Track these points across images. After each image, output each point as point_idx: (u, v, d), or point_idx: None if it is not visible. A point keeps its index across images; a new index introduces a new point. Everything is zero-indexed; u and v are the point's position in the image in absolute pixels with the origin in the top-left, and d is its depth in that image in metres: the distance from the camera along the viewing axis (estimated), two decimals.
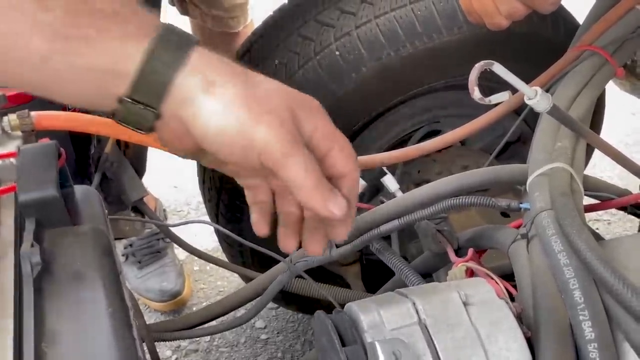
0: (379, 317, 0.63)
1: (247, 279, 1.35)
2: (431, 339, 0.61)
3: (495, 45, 1.27)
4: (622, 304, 0.61)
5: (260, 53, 1.32)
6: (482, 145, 1.45)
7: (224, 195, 1.39)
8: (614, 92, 1.75)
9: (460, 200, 0.85)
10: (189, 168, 1.68)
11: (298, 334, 1.74)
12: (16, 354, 0.48)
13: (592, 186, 0.88)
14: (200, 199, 1.56)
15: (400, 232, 1.19)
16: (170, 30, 0.51)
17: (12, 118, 0.64)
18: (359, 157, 0.96)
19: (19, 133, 0.65)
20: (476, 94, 0.68)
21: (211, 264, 1.77)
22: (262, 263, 1.26)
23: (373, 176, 1.14)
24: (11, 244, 0.55)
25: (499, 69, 0.68)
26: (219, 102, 0.50)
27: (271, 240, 0.60)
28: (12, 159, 0.61)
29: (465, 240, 0.89)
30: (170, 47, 0.49)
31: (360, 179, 0.97)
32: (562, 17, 1.35)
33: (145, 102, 0.49)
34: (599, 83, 0.97)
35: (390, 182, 0.98)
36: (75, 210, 0.60)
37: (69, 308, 0.52)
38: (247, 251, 1.40)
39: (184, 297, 1.80)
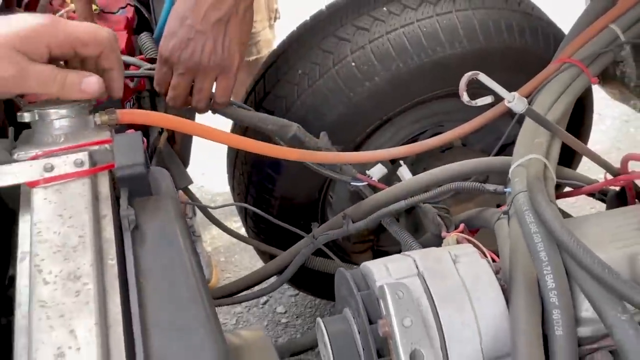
0: (386, 270, 0.80)
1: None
2: (427, 285, 0.79)
3: (492, 58, 1.44)
4: (577, 261, 0.79)
5: (286, 63, 1.48)
6: (482, 147, 1.62)
7: (252, 189, 1.57)
8: (607, 100, 1.91)
9: (456, 185, 1.03)
10: (215, 160, 1.85)
11: (315, 318, 1.91)
12: (122, 284, 0.66)
13: (567, 176, 1.05)
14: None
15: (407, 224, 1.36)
16: None
17: (101, 115, 0.82)
18: (375, 152, 1.15)
19: (106, 126, 0.83)
20: (465, 97, 0.85)
21: (235, 256, 1.97)
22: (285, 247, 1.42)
23: (391, 168, 1.31)
24: (109, 207, 0.73)
25: (483, 78, 0.86)
26: None
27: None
28: (106, 145, 0.79)
29: (459, 222, 1.07)
30: None
31: (381, 166, 1.15)
32: (552, 34, 1.51)
33: None
34: (575, 90, 1.14)
35: (405, 172, 1.15)
36: (153, 184, 0.77)
37: (157, 253, 0.70)
38: (273, 235, 1.56)
39: (212, 285, 1.98)
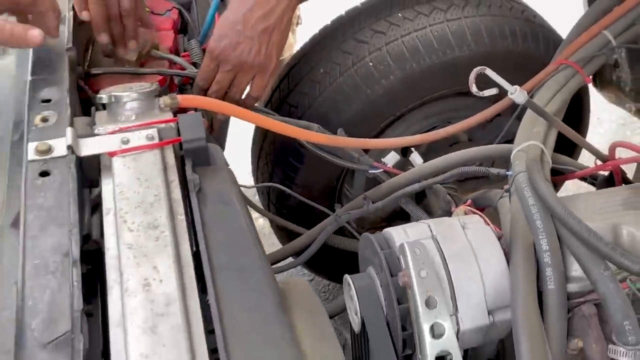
0: (405, 233, 0.95)
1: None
2: (439, 246, 0.93)
3: (496, 60, 1.58)
4: (567, 227, 0.93)
5: (309, 63, 1.63)
6: (486, 142, 1.77)
7: (275, 178, 1.71)
8: (605, 104, 2.05)
9: (464, 169, 1.17)
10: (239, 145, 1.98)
11: (329, 302, 2.05)
12: (190, 235, 0.81)
13: (563, 162, 1.19)
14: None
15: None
16: None
17: (165, 99, 0.96)
18: (390, 139, 1.29)
19: (168, 108, 0.97)
20: (474, 88, 0.99)
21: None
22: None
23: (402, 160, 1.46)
24: (176, 174, 0.88)
25: (490, 72, 1.00)
26: None
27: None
28: (170, 124, 0.93)
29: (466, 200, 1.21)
30: None
31: (394, 153, 1.30)
32: (552, 39, 1.66)
33: None
34: (570, 88, 1.28)
35: (417, 157, 1.30)
36: (210, 157, 0.92)
37: (218, 211, 0.84)
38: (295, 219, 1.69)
39: None
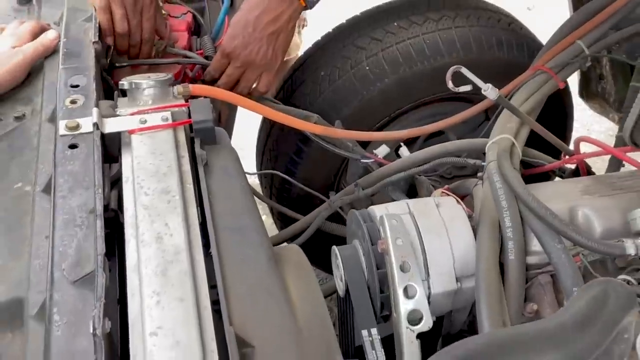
0: (385, 209, 1.08)
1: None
2: (415, 220, 1.06)
3: (483, 67, 1.71)
4: (528, 207, 1.06)
5: (311, 66, 1.77)
6: None
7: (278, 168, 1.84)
8: (595, 117, 2.17)
9: (445, 159, 1.30)
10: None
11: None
12: (197, 200, 0.94)
13: (533, 156, 1.32)
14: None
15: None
16: None
17: (178, 87, 1.10)
18: (381, 132, 1.42)
19: (181, 96, 1.11)
20: (450, 84, 1.12)
21: None
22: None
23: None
24: (186, 150, 1.01)
25: (465, 71, 1.13)
26: None
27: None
28: (182, 108, 1.07)
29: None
30: None
31: (385, 146, 1.44)
32: (537, 49, 1.79)
33: None
34: (545, 91, 1.41)
35: (404, 151, 1.44)
36: (217, 137, 1.05)
37: (221, 181, 0.98)
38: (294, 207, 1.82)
39: None
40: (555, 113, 1.86)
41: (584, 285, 0.81)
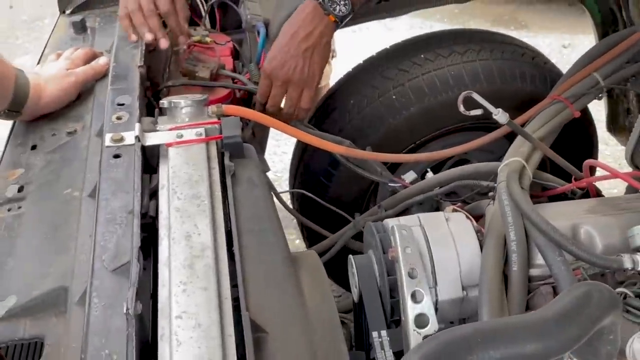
0: (398, 222, 1.17)
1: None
2: (425, 232, 1.14)
3: (506, 98, 1.79)
4: (531, 222, 1.13)
5: (341, 95, 1.87)
6: None
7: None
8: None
9: (460, 182, 1.38)
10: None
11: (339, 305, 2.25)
12: (224, 205, 1.04)
13: (546, 179, 1.39)
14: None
15: None
16: None
17: (212, 107, 1.22)
18: (404, 154, 1.52)
19: (214, 115, 1.23)
20: (461, 108, 1.21)
21: None
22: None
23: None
24: (216, 162, 1.12)
25: (476, 96, 1.22)
26: None
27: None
28: (215, 125, 1.18)
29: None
30: None
31: (413, 172, 1.53)
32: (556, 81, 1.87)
33: None
34: (560, 119, 1.49)
35: (430, 175, 1.52)
36: (245, 151, 1.16)
37: (247, 191, 1.08)
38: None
39: None
40: (582, 143, 1.93)
41: (571, 286, 0.88)
